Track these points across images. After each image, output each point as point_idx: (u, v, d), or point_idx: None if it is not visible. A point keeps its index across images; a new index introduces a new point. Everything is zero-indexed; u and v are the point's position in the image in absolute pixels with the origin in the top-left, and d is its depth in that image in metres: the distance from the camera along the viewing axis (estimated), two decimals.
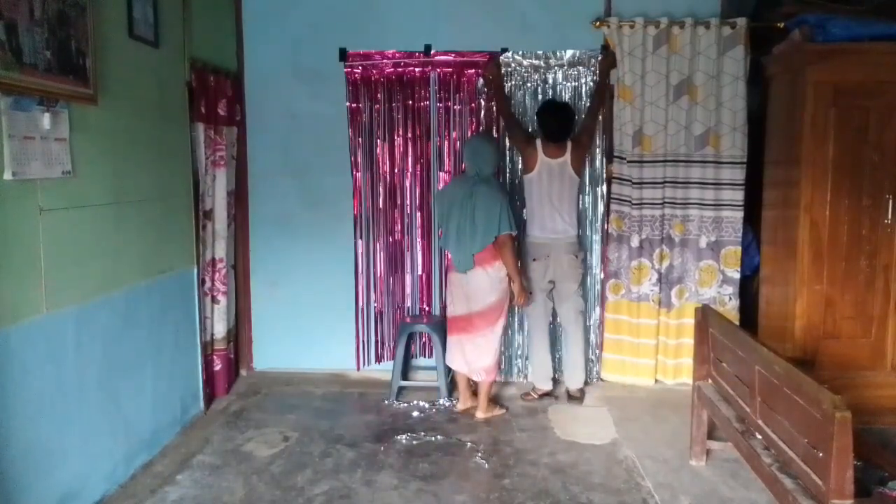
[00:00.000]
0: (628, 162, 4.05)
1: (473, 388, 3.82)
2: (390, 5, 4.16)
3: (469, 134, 4.15)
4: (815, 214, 3.52)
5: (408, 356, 4.27)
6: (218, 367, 3.93)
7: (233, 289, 4.11)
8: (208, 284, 3.82)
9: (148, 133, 3.19)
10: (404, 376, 4.12)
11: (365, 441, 3.40)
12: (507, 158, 4.21)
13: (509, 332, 4.27)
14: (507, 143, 4.18)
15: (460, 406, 3.80)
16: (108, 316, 2.88)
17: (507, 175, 4.22)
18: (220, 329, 3.93)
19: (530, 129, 4.11)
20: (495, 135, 4.14)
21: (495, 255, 3.55)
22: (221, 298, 3.92)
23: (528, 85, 4.17)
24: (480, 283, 3.58)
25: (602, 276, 4.22)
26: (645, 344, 4.15)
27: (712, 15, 4.00)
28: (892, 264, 3.54)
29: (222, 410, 3.81)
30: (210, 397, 3.84)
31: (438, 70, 4.15)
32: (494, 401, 3.84)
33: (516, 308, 4.27)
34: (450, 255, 3.70)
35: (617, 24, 3.98)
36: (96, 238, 2.80)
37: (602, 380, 4.25)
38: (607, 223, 4.18)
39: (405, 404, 3.88)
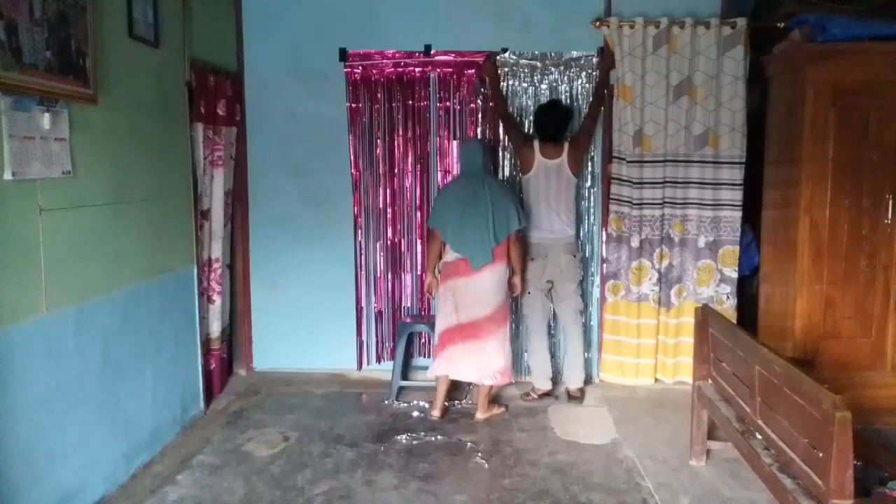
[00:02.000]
0: (628, 162, 4.04)
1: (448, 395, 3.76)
2: (390, 5, 4.16)
3: (469, 133, 4.15)
4: (815, 214, 3.52)
5: (408, 356, 4.27)
6: (212, 366, 3.94)
7: (227, 288, 4.10)
8: (204, 284, 3.81)
9: (148, 133, 3.19)
10: (404, 376, 4.12)
11: (365, 441, 3.40)
12: (505, 158, 4.22)
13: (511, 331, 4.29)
14: (505, 143, 4.18)
15: (436, 413, 3.68)
16: (108, 316, 2.87)
17: (506, 174, 4.23)
18: (214, 329, 3.93)
19: (529, 130, 4.11)
20: (492, 136, 4.17)
21: (503, 254, 3.58)
22: (217, 298, 3.92)
23: (527, 85, 4.17)
24: (490, 284, 3.56)
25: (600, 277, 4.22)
26: (645, 343, 4.15)
27: (712, 15, 3.99)
28: (892, 264, 3.54)
29: (222, 410, 3.81)
30: (209, 397, 3.84)
31: (438, 70, 4.15)
32: (493, 400, 3.83)
33: (516, 308, 4.28)
34: (449, 259, 3.63)
35: (617, 24, 3.97)
36: (96, 238, 2.80)
37: (602, 381, 4.25)
38: (606, 224, 4.17)
39: (405, 404, 3.88)
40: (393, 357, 4.11)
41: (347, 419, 3.69)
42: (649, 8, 4.01)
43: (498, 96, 4.06)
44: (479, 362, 3.61)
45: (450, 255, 3.64)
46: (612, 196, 4.12)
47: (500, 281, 3.61)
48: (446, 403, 3.75)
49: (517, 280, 3.73)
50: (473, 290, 3.57)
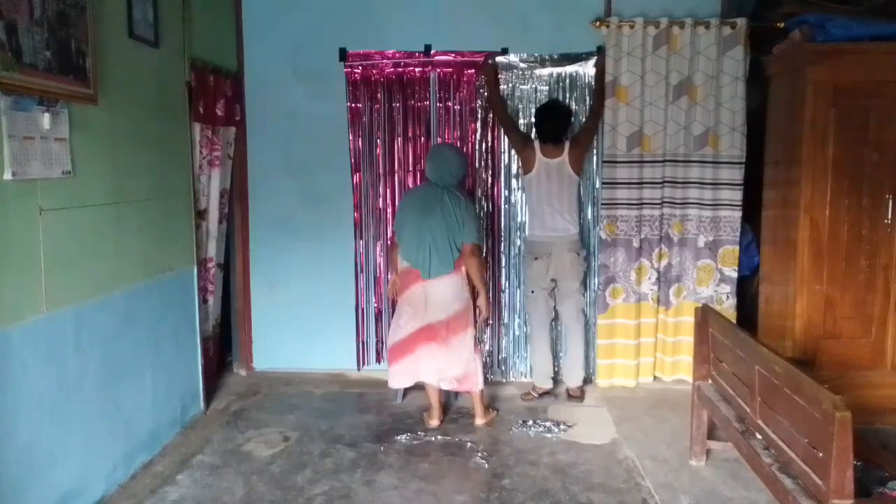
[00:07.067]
0: (620, 163, 4.02)
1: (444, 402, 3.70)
2: (390, 5, 4.16)
3: (469, 133, 4.15)
4: (815, 214, 3.52)
5: None
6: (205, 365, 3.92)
7: (220, 288, 4.10)
8: (200, 284, 3.79)
9: (148, 133, 3.19)
10: None
11: (365, 441, 3.40)
12: (505, 158, 4.22)
13: (506, 333, 4.30)
14: (505, 144, 4.18)
15: (434, 422, 3.58)
16: (108, 316, 2.88)
17: (503, 175, 4.23)
18: (206, 329, 3.92)
19: (530, 131, 4.11)
20: (492, 138, 4.15)
21: (459, 265, 3.47)
22: (210, 298, 3.92)
23: (527, 85, 4.16)
24: (443, 291, 3.45)
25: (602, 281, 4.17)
26: (645, 343, 4.15)
27: (712, 15, 3.99)
28: (892, 264, 3.54)
29: (222, 410, 3.81)
30: (209, 397, 3.83)
31: (438, 70, 4.15)
32: (488, 405, 3.76)
33: (516, 307, 4.28)
34: (404, 266, 3.52)
35: (617, 24, 3.96)
36: (96, 238, 2.80)
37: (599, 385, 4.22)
38: (601, 229, 4.14)
39: (406, 400, 3.87)
40: None
41: (347, 419, 3.69)
42: (649, 8, 4.01)
43: (495, 98, 4.05)
44: (435, 366, 3.48)
45: (404, 263, 3.53)
46: (603, 200, 4.09)
47: (456, 290, 3.47)
48: (441, 412, 3.67)
49: (483, 302, 3.52)
50: (428, 296, 3.46)
